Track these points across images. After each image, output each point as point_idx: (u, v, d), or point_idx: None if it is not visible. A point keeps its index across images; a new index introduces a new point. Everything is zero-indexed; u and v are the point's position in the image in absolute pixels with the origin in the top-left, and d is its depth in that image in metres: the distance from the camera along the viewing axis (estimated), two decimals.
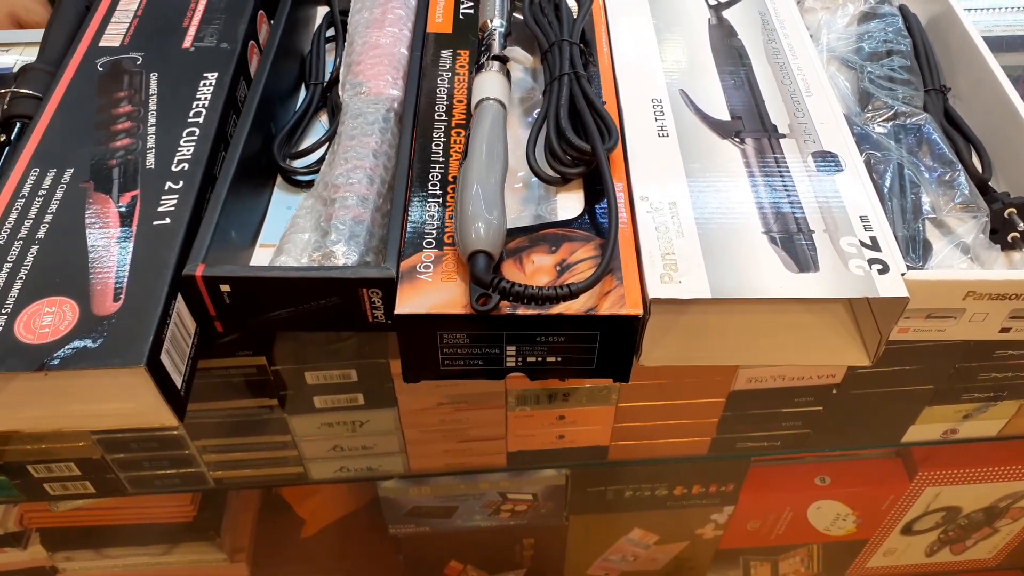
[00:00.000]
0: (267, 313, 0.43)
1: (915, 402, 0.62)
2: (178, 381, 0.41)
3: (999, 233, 0.47)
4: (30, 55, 0.62)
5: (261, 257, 0.48)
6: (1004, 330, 0.45)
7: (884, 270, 0.40)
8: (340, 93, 0.54)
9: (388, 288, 0.42)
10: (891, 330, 0.41)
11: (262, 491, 0.78)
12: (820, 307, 0.45)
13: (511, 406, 0.59)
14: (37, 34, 0.65)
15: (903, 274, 0.40)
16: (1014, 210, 0.47)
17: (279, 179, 0.53)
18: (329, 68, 0.59)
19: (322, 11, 0.65)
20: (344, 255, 0.44)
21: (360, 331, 0.46)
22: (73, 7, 0.60)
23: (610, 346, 0.41)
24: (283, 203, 0.52)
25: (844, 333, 0.45)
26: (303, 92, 0.58)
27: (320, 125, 0.56)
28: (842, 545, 0.81)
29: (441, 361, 0.42)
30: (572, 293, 0.37)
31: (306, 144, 0.54)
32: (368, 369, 0.55)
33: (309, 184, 0.52)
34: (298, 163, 0.53)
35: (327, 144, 0.52)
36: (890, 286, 0.40)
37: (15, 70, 0.61)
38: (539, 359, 0.42)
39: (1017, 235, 0.47)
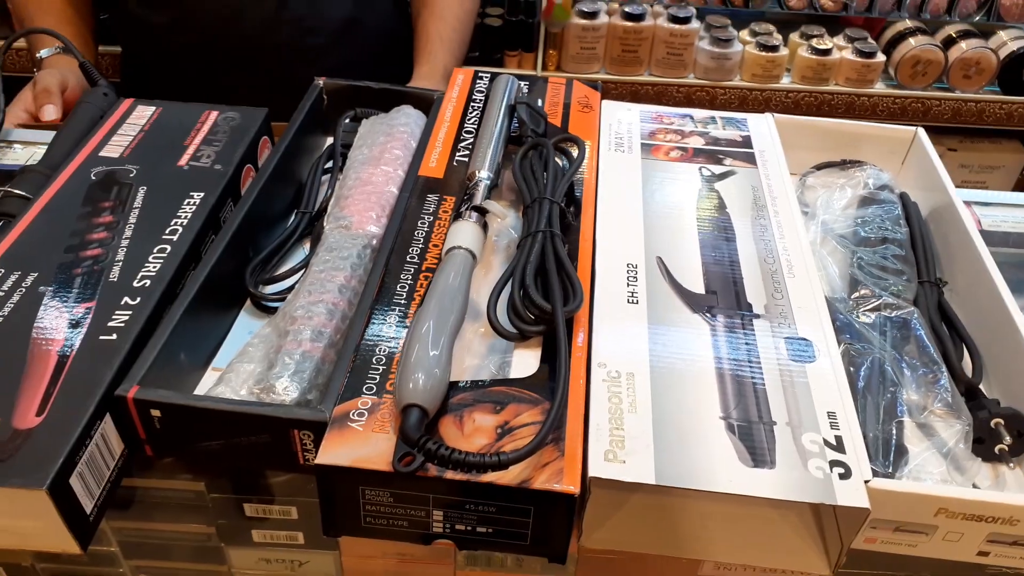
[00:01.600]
0: (198, 443, 0.42)
1: None
2: (88, 506, 0.39)
3: (984, 444, 0.44)
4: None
5: (209, 382, 0.47)
6: (982, 553, 0.41)
7: (846, 475, 0.38)
8: (324, 223, 0.54)
9: (320, 431, 0.40)
10: (852, 539, 0.38)
11: None
12: (780, 504, 0.42)
13: (460, 565, 0.55)
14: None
15: (867, 481, 0.37)
16: (1001, 421, 0.44)
17: (248, 303, 0.52)
18: (322, 198, 0.60)
19: (329, 141, 0.66)
20: (285, 390, 0.42)
21: (290, 472, 0.44)
22: (87, 115, 0.62)
23: (546, 522, 0.38)
24: (247, 327, 0.51)
25: (805, 535, 0.41)
26: (292, 218, 0.59)
27: (302, 252, 0.56)
28: None
29: (363, 518, 0.39)
30: (501, 463, 0.35)
31: (282, 270, 0.54)
32: (309, 508, 0.52)
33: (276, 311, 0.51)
34: (269, 289, 0.52)
35: (299, 273, 0.52)
36: (850, 494, 0.37)
37: (23, 166, 0.63)
38: (468, 528, 0.39)
39: (1004, 448, 0.44)
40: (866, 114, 1.26)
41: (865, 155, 0.66)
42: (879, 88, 1.22)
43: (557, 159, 0.53)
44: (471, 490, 0.37)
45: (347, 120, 0.64)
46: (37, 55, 0.81)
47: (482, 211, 0.49)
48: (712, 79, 1.20)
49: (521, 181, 0.52)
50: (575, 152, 0.54)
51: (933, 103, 1.21)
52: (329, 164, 0.62)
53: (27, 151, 0.65)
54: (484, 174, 0.52)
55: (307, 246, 0.57)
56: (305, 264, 0.52)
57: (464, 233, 0.47)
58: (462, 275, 0.44)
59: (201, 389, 0.46)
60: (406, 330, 0.44)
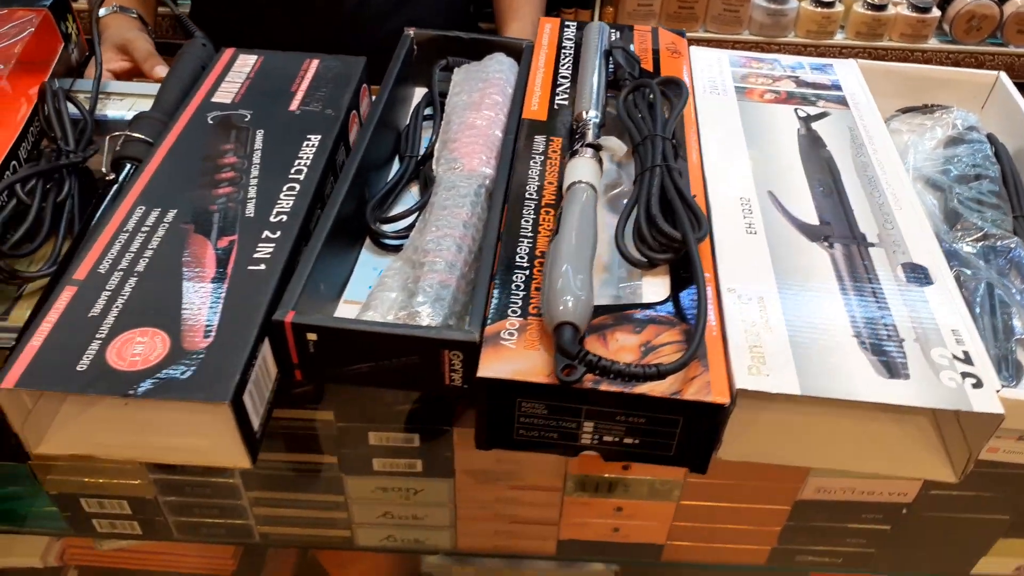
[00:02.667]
0: (348, 366, 0.44)
1: (990, 532, 0.59)
2: (255, 423, 0.41)
3: None
4: (143, 106, 0.65)
5: (345, 312, 0.49)
6: None
7: (978, 384, 0.39)
8: (434, 167, 0.56)
9: (469, 351, 0.42)
10: (982, 447, 0.40)
11: (298, 555, 0.77)
12: (906, 418, 0.44)
13: (569, 490, 0.58)
14: (149, 87, 0.69)
15: (998, 391, 0.39)
16: None
17: (367, 241, 0.54)
18: (424, 144, 0.61)
19: (419, 91, 0.68)
20: (429, 316, 0.44)
21: (435, 393, 0.47)
22: (190, 64, 0.63)
23: (691, 434, 0.40)
24: (369, 264, 0.53)
25: (929, 447, 0.43)
26: (396, 163, 0.61)
27: (410, 195, 0.58)
28: None
29: (516, 430, 0.42)
30: (660, 373, 0.37)
31: (396, 211, 0.55)
32: (431, 435, 0.54)
33: (395, 248, 0.53)
34: (387, 228, 0.54)
35: (418, 212, 0.54)
36: (984, 401, 0.39)
37: (127, 117, 0.65)
38: (616, 439, 0.41)
39: None
40: None
41: (944, 100, 0.67)
42: (933, 43, 1.23)
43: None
44: (624, 401, 0.39)
45: (439, 69, 0.66)
46: (99, 12, 0.82)
47: (596, 147, 0.51)
48: (767, 35, 1.21)
49: (628, 120, 0.53)
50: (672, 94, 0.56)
51: (987, 58, 1.22)
52: (427, 111, 0.63)
53: (126, 102, 0.67)
54: (592, 114, 0.54)
55: (414, 189, 0.59)
56: (422, 204, 0.54)
57: (584, 168, 0.49)
58: (589, 206, 0.46)
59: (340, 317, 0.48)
60: (536, 259, 0.46)
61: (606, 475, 0.57)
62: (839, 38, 1.22)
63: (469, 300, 0.46)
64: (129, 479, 0.58)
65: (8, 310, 0.50)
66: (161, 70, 0.73)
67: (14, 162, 0.55)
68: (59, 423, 0.42)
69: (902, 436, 0.44)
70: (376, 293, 0.47)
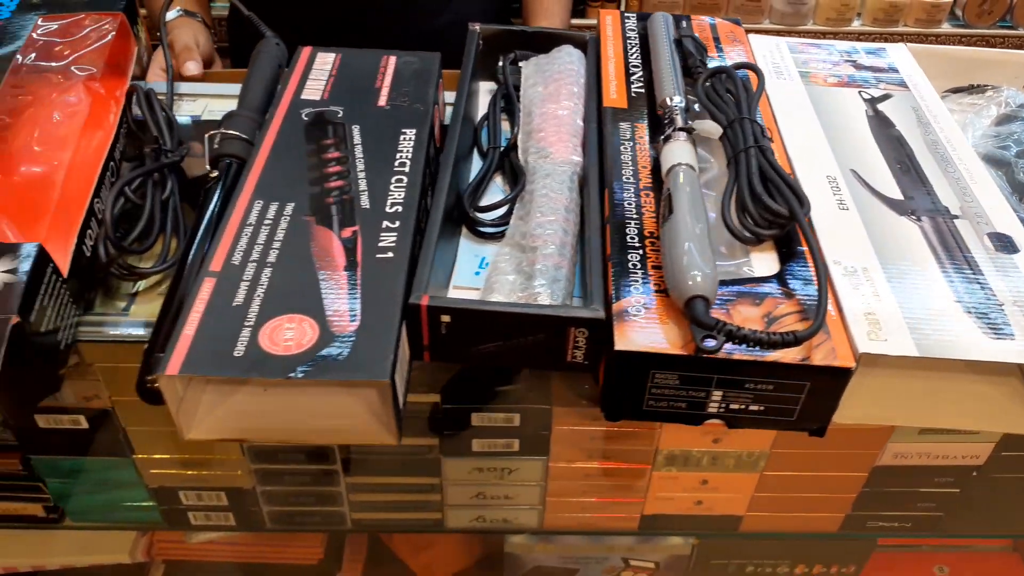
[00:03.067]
0: (476, 345, 0.46)
1: None
2: (401, 402, 0.43)
3: None
4: (216, 106, 0.67)
5: (459, 296, 0.51)
6: None
7: None
8: (521, 158, 0.58)
9: (595, 328, 0.44)
10: None
11: (369, 542, 0.79)
12: (1002, 378, 0.46)
13: (658, 465, 0.60)
14: (220, 88, 0.70)
15: None
16: None
17: (464, 230, 0.56)
18: (506, 135, 0.63)
19: (484, 85, 0.70)
20: (548, 297, 0.46)
21: (556, 370, 0.49)
22: (268, 63, 0.65)
23: (816, 397, 0.43)
24: (469, 251, 0.54)
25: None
26: (475, 155, 0.63)
27: (495, 185, 0.60)
28: None
29: (646, 401, 0.44)
30: (797, 340, 0.40)
31: (486, 201, 0.57)
32: (531, 415, 0.57)
33: (491, 236, 0.55)
34: (482, 216, 0.56)
35: (511, 202, 0.56)
36: None
37: (202, 116, 0.67)
38: (743, 406, 0.44)
39: None
40: None
41: (986, 80, 0.70)
42: (946, 28, 1.27)
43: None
44: (756, 369, 0.41)
45: (508, 63, 0.68)
46: (165, 16, 0.83)
47: (688, 131, 0.53)
48: (787, 24, 1.24)
49: (711, 105, 0.56)
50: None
51: (997, 40, 1.26)
52: (502, 105, 0.65)
53: (199, 103, 0.68)
54: (678, 99, 0.56)
55: (498, 179, 0.60)
56: (516, 193, 0.56)
57: (682, 151, 0.51)
58: (696, 186, 0.48)
59: None
60: (646, 240, 0.48)
61: (695, 449, 0.59)
62: (855, 25, 1.26)
63: (572, 281, 0.48)
64: (230, 470, 0.60)
65: (128, 306, 0.51)
66: (192, 67, 0.74)
67: (112, 163, 0.56)
68: (205, 410, 0.44)
69: (999, 394, 0.46)
70: (494, 277, 0.49)
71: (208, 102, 0.68)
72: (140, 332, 0.49)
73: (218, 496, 0.62)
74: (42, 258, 0.45)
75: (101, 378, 0.53)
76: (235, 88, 0.67)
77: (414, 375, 0.47)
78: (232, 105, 0.62)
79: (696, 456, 0.59)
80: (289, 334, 0.42)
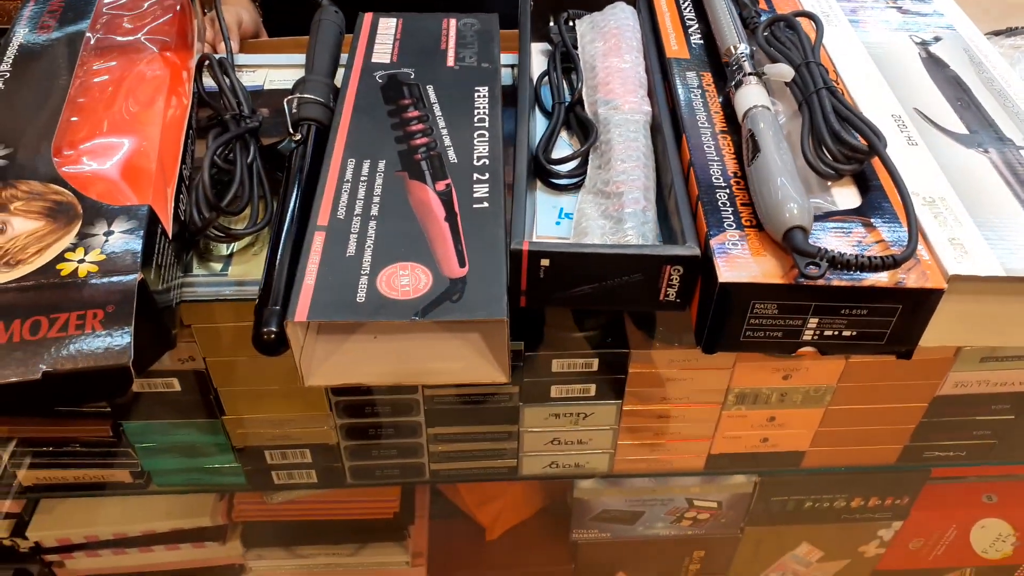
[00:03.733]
0: (573, 288, 0.48)
1: None
2: (509, 343, 0.45)
3: None
4: (276, 75, 0.68)
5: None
6: None
7: None
8: (588, 111, 0.60)
9: (690, 266, 0.46)
10: None
11: (431, 496, 0.81)
12: None
13: (728, 405, 0.62)
14: (279, 58, 0.72)
15: None
16: None
17: (538, 183, 0.58)
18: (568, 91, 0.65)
19: (535, 47, 0.71)
20: (639, 238, 0.48)
21: (649, 310, 0.51)
22: (330, 29, 0.66)
23: (907, 321, 0.45)
24: (546, 203, 0.56)
25: None
26: (537, 114, 0.64)
27: (562, 140, 0.61)
28: (996, 569, 0.83)
29: (744, 332, 0.46)
30: (896, 262, 0.42)
31: (556, 153, 0.59)
32: (609, 359, 0.59)
33: (565, 188, 0.57)
34: (557, 168, 0.58)
35: (585, 153, 0.57)
36: None
37: (264, 86, 0.68)
38: (836, 332, 0.46)
39: None
40: None
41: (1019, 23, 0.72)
42: None
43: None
44: (853, 294, 0.44)
45: (563, 21, 0.69)
46: None
47: (759, 74, 0.55)
48: None
49: (774, 51, 0.57)
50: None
51: None
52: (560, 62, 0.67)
53: (259, 73, 0.69)
54: (743, 47, 0.58)
55: (563, 133, 0.62)
56: (589, 144, 0.57)
57: (756, 95, 0.53)
58: (777, 126, 0.50)
59: None
60: (731, 179, 0.50)
61: (765, 387, 0.61)
62: None
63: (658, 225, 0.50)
64: (316, 426, 0.61)
65: (225, 267, 0.53)
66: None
67: (191, 130, 0.58)
68: (321, 357, 0.46)
69: None
70: (583, 223, 0.50)
71: (268, 72, 0.69)
72: (239, 291, 0.51)
73: (303, 453, 0.64)
74: (153, 219, 0.46)
75: (197, 340, 0.54)
76: (291, 58, 0.69)
77: None
78: (292, 74, 0.63)
79: (765, 394, 0.61)
80: (405, 280, 0.44)
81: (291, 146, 0.56)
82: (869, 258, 0.42)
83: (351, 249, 0.45)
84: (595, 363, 0.59)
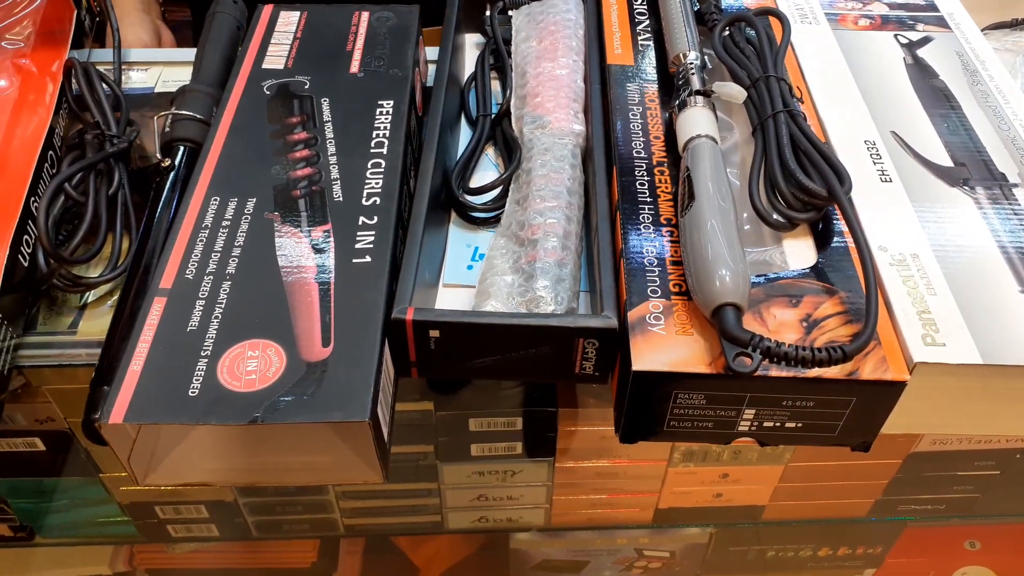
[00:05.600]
0: (471, 360, 0.40)
1: None
2: (386, 434, 0.38)
3: None
4: (170, 75, 0.60)
5: (448, 299, 0.45)
6: None
7: None
8: (514, 126, 0.51)
9: (606, 339, 0.38)
10: None
11: (367, 536, 0.75)
12: None
13: (674, 462, 0.55)
14: (174, 54, 0.63)
15: None
16: None
17: (453, 215, 0.50)
18: (493, 100, 0.56)
19: (469, 39, 0.62)
20: (553, 300, 0.40)
21: (564, 381, 0.43)
22: (225, 26, 0.57)
23: (863, 412, 0.37)
24: (460, 240, 0.48)
25: None
26: (463, 123, 0.56)
27: (486, 159, 0.53)
28: None
29: (668, 422, 0.38)
30: (846, 356, 0.34)
31: (478, 178, 0.51)
32: (534, 417, 0.51)
33: (484, 221, 0.49)
34: (474, 200, 0.50)
35: (506, 182, 0.49)
36: None
37: (155, 89, 0.59)
38: (777, 424, 0.38)
39: None
40: None
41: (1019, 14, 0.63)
42: None
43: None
44: (795, 386, 0.36)
45: (497, 12, 0.60)
46: None
47: (706, 94, 0.46)
48: None
49: (731, 61, 0.49)
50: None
51: None
52: (491, 62, 0.58)
53: (151, 73, 0.61)
54: (693, 56, 0.49)
55: (489, 151, 0.54)
56: (509, 173, 0.49)
57: (701, 121, 0.44)
58: (719, 164, 0.42)
59: (448, 306, 0.44)
60: (665, 229, 0.42)
61: (715, 446, 0.54)
62: None
63: (579, 277, 0.43)
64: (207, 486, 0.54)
65: (76, 321, 0.45)
66: None
67: (51, 152, 0.49)
68: (162, 452, 0.38)
69: None
70: (489, 279, 0.43)
71: (162, 71, 0.61)
72: (91, 352, 0.44)
73: (197, 509, 0.57)
74: None
75: (54, 401, 0.47)
76: (190, 53, 0.60)
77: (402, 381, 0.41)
78: (189, 73, 0.55)
79: (716, 452, 0.54)
80: (252, 365, 0.36)
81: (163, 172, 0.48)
82: (811, 351, 0.34)
83: (194, 321, 0.37)
84: (518, 422, 0.51)
